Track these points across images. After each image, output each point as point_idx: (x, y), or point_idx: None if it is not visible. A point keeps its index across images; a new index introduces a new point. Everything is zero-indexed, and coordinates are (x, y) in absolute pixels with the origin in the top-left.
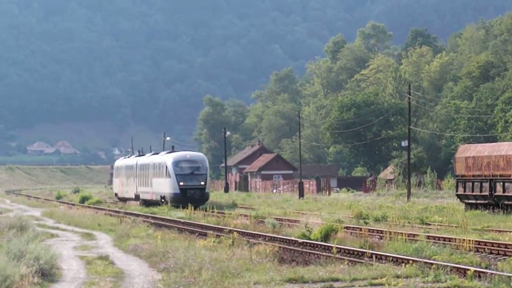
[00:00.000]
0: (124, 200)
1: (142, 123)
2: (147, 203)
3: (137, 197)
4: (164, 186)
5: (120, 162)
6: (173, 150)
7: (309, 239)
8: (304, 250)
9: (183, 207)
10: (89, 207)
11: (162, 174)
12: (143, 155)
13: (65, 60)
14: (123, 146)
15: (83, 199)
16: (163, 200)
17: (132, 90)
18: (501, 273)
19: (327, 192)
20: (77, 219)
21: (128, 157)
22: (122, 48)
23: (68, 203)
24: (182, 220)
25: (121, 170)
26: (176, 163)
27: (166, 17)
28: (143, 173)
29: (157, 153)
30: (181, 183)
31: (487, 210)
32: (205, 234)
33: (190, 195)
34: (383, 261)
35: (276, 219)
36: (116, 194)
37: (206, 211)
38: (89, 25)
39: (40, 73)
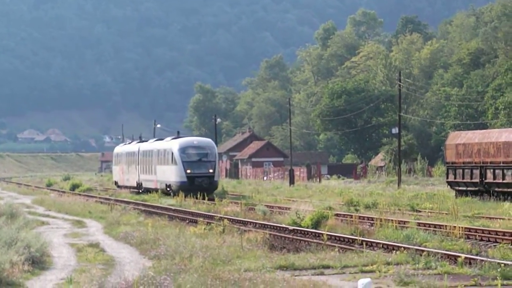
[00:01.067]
0: (125, 188)
1: (133, 110)
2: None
3: (139, 186)
4: (170, 174)
5: (121, 148)
6: (178, 135)
7: (300, 226)
8: (294, 237)
9: (190, 196)
10: (79, 194)
11: (167, 161)
12: (146, 140)
13: (56, 47)
14: (113, 133)
15: (74, 187)
16: (168, 189)
17: (123, 77)
18: (492, 259)
19: (318, 179)
20: (68, 207)
21: (129, 143)
22: (113, 35)
23: (58, 191)
24: (172, 208)
25: (121, 157)
26: (183, 149)
27: (157, 4)
28: (146, 160)
29: (162, 139)
30: (188, 171)
31: (477, 197)
32: (196, 222)
33: (198, 183)
34: (374, 248)
35: (267, 206)
36: (115, 183)
37: (197, 198)
38: (80, 12)
39: (31, 61)
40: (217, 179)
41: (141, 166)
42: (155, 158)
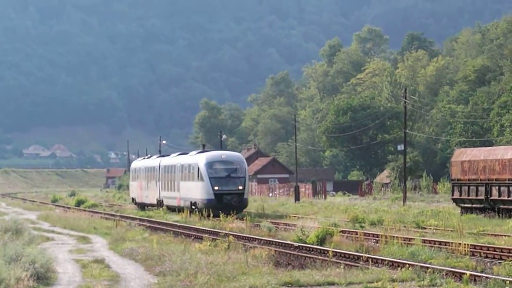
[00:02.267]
0: (143, 206)
1: (138, 126)
2: (173, 210)
3: (159, 203)
4: (195, 191)
5: (139, 163)
6: (204, 149)
7: (305, 242)
8: (300, 253)
9: (216, 216)
10: (84, 210)
11: (192, 176)
12: (167, 155)
13: (61, 63)
14: (119, 149)
15: (79, 203)
16: (193, 207)
17: (128, 93)
18: (497, 277)
19: (323, 196)
20: (73, 223)
21: (149, 157)
22: (118, 51)
23: (63, 207)
24: (178, 224)
25: (139, 172)
26: (210, 164)
27: (162, 20)
28: (168, 175)
29: (186, 153)
30: (216, 188)
31: (482, 214)
32: (201, 238)
33: (226, 201)
34: (379, 265)
35: (272, 222)
36: (133, 199)
37: (202, 215)
38: (85, 28)
39: (36, 77)
40: (247, 197)
41: (162, 182)
42: (179, 174)
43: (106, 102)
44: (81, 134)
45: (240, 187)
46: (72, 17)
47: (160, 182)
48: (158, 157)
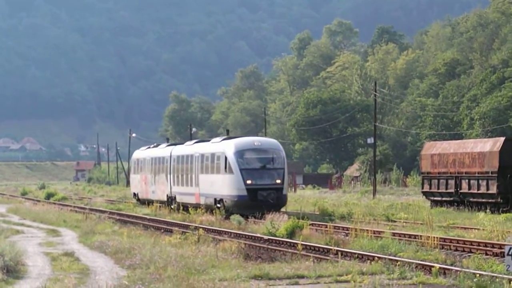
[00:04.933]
0: (148, 203)
1: (108, 119)
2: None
3: (170, 200)
4: (222, 186)
5: (143, 152)
6: (228, 135)
7: (275, 235)
8: (269, 247)
9: (245, 216)
10: (54, 203)
11: (218, 168)
12: (180, 143)
13: (30, 56)
14: (89, 142)
15: (49, 196)
16: (218, 205)
17: (98, 86)
18: (466, 270)
19: (293, 189)
20: (43, 216)
21: (155, 145)
22: (88, 44)
23: (33, 200)
24: (148, 217)
25: (144, 163)
26: (241, 153)
27: (132, 13)
28: (183, 167)
29: (206, 140)
30: (249, 182)
31: (452, 207)
32: (171, 231)
33: (262, 198)
34: (349, 258)
35: (242, 215)
36: (135, 195)
37: (172, 208)
38: (54, 21)
39: (5, 69)
40: (286, 193)
41: (174, 175)
42: (197, 165)
43: (76, 95)
44: (50, 127)
45: (278, 181)
46: (42, 9)
47: (171, 175)
48: (169, 145)
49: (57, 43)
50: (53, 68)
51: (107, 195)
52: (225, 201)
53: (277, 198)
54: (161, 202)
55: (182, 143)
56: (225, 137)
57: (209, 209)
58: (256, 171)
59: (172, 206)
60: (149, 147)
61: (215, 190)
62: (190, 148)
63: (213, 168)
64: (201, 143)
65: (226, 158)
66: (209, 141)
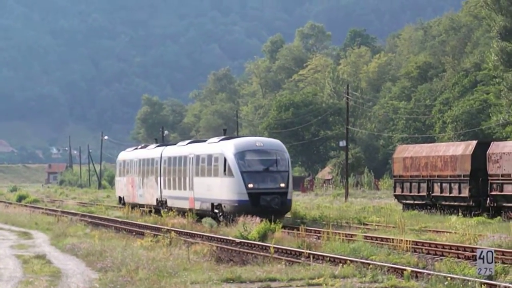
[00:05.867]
0: (134, 207)
1: (80, 122)
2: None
3: (160, 204)
4: (220, 190)
5: (129, 154)
6: (225, 135)
7: (247, 238)
8: (241, 249)
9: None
10: (26, 205)
11: (215, 171)
12: (172, 143)
13: (2, 58)
14: (60, 145)
15: (20, 198)
16: (216, 211)
17: (70, 88)
18: (438, 273)
19: None
20: (14, 218)
21: (143, 146)
22: (60, 46)
23: (5, 202)
24: (119, 219)
25: (131, 165)
26: (241, 155)
27: (104, 16)
28: (175, 169)
29: (202, 140)
30: (251, 186)
31: (424, 211)
32: (143, 234)
33: (264, 203)
34: (321, 261)
35: (214, 218)
36: (120, 199)
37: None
38: (27, 23)
39: None
40: (291, 197)
41: (165, 178)
42: (192, 167)
43: (48, 97)
44: (22, 129)
45: (282, 185)
46: (14, 11)
47: (162, 178)
48: (158, 146)
49: (30, 45)
50: (25, 70)
51: (79, 198)
52: (224, 206)
53: (281, 204)
54: (151, 206)
55: (174, 144)
56: (223, 137)
57: (206, 214)
58: (258, 174)
59: (163, 210)
60: (136, 148)
61: (213, 194)
62: (183, 149)
63: (210, 171)
64: (195, 144)
65: (225, 159)
66: (204, 141)
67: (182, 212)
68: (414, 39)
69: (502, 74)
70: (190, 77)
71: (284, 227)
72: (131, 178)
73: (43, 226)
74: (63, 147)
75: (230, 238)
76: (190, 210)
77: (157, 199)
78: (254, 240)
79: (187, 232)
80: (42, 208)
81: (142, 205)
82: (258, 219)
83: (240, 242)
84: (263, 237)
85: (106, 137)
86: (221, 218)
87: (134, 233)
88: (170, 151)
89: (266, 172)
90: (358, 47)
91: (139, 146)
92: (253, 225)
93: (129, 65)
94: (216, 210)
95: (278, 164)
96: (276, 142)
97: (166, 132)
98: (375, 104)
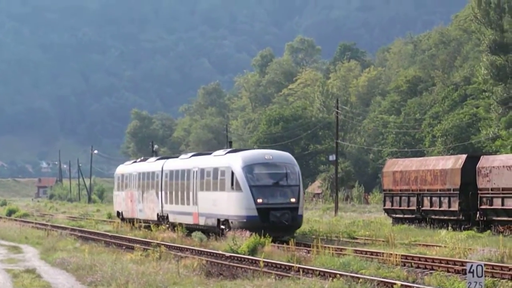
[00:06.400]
0: (134, 222)
1: (70, 136)
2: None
3: (162, 219)
4: (227, 205)
5: (128, 167)
6: (231, 147)
7: (237, 252)
8: (231, 263)
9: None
10: (16, 220)
11: (222, 185)
12: (174, 156)
13: None
14: (50, 159)
15: (10, 212)
16: (222, 226)
17: (60, 103)
18: (428, 287)
19: None
20: (4, 232)
21: (143, 159)
22: (50, 60)
23: None
24: (109, 234)
25: (130, 179)
26: (250, 168)
27: (95, 30)
28: (178, 183)
29: (207, 153)
30: (260, 200)
31: (414, 225)
32: (133, 248)
33: (274, 219)
34: (310, 275)
35: (204, 232)
36: (119, 214)
37: (133, 225)
38: (17, 37)
39: None
40: (302, 213)
41: (166, 192)
42: (196, 181)
43: (38, 112)
44: (12, 143)
45: (293, 200)
46: (5, 26)
47: (163, 192)
48: (159, 159)
49: (20, 59)
50: (16, 84)
51: (68, 212)
52: (231, 222)
53: (292, 219)
54: (151, 221)
55: (176, 157)
56: (230, 149)
57: (211, 230)
58: (267, 188)
59: (166, 225)
60: (135, 161)
61: (219, 209)
62: (186, 162)
63: (216, 185)
64: (199, 156)
65: (232, 173)
66: (209, 154)
67: (187, 228)
68: (404, 53)
69: (492, 88)
70: (180, 91)
71: (273, 241)
72: (130, 192)
73: (33, 240)
74: (53, 161)
75: (220, 252)
76: (194, 225)
77: (158, 214)
78: (244, 254)
79: (177, 246)
80: (32, 222)
81: (141, 220)
82: (248, 233)
83: (230, 256)
84: (253, 251)
85: (96, 151)
86: (224, 233)
87: (124, 247)
88: (172, 164)
89: (276, 187)
90: (348, 61)
91: (138, 159)
92: (243, 239)
93: (119, 79)
94: (222, 226)
95: (288, 178)
96: (286, 154)
97: (156, 146)
98: (364, 118)
